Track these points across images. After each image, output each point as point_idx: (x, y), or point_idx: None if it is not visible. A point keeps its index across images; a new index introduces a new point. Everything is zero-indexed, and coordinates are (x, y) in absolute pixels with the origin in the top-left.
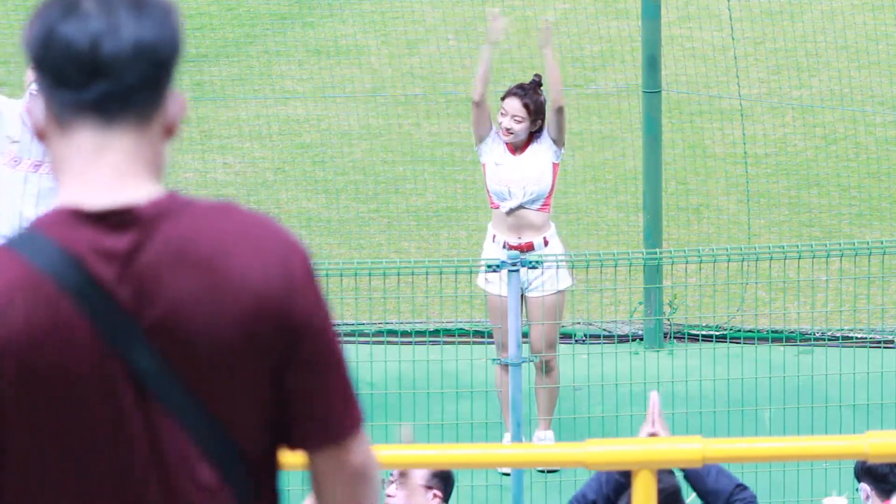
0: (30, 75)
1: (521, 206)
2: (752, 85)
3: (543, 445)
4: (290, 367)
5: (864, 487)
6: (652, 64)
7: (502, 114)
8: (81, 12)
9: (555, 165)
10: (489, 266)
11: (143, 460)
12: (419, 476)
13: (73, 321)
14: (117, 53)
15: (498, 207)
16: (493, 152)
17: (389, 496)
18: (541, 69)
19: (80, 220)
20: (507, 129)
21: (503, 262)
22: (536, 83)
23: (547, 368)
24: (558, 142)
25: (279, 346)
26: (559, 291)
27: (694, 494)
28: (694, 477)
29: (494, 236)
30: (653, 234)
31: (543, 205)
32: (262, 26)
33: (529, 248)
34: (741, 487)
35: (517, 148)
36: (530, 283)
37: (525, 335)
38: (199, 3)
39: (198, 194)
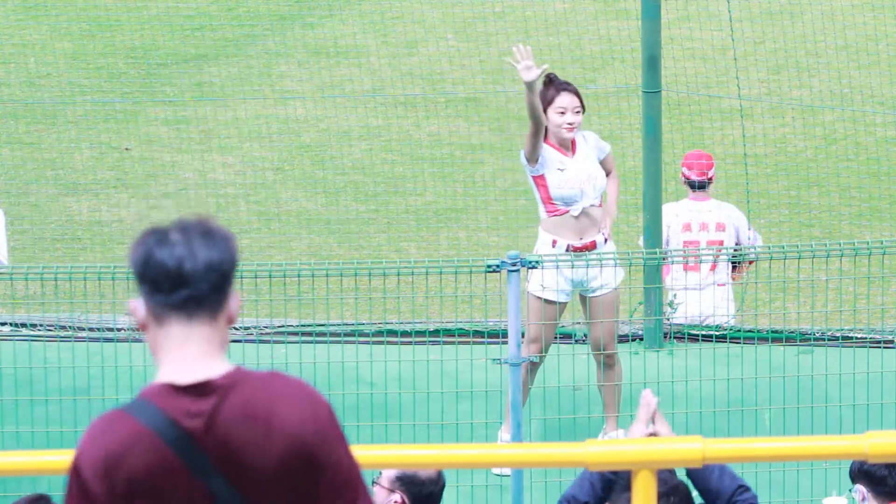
0: None
1: (591, 205)
2: (752, 85)
3: (544, 445)
4: (318, 484)
5: (860, 489)
6: (652, 64)
7: (560, 113)
8: (170, 242)
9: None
10: (489, 266)
11: None
12: (384, 478)
13: (172, 463)
14: (195, 270)
15: (564, 213)
16: (552, 160)
17: None
18: (540, 64)
19: (175, 391)
20: (570, 124)
21: (503, 262)
22: (554, 75)
23: (611, 362)
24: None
25: (311, 471)
26: (617, 287)
27: (694, 494)
28: (696, 475)
29: (555, 241)
30: (653, 234)
31: (600, 201)
32: (262, 26)
33: (593, 246)
34: (744, 488)
35: (568, 148)
36: (589, 283)
37: (569, 336)
38: (199, 3)
39: (201, 194)
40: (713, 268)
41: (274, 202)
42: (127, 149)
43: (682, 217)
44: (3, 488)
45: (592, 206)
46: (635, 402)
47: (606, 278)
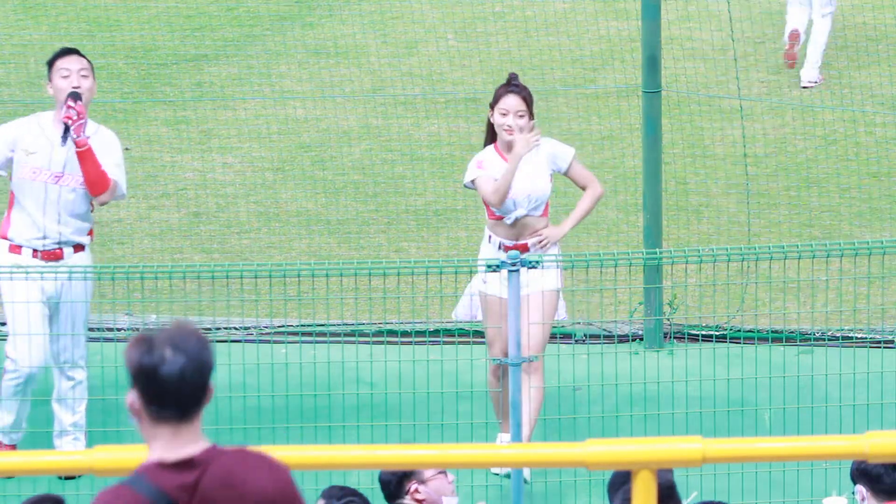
0: (50, 89)
1: (525, 215)
2: (752, 85)
3: (544, 445)
4: None
5: (861, 489)
6: (652, 64)
7: (502, 114)
8: (167, 359)
9: (550, 175)
10: (489, 266)
11: None
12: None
13: None
14: (186, 386)
15: (501, 219)
16: (491, 171)
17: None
18: (540, 64)
19: (165, 468)
20: (510, 127)
21: (503, 262)
22: (515, 76)
23: (529, 369)
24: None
25: None
26: (545, 291)
27: (695, 493)
28: None
29: (490, 237)
30: (653, 234)
31: (544, 210)
32: (262, 26)
33: (525, 248)
34: None
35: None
36: (527, 284)
37: (569, 336)
38: (199, 3)
39: (199, 197)
40: None
41: (274, 202)
42: (127, 149)
43: None
44: (3, 489)
45: (528, 216)
46: (635, 403)
47: (535, 277)
